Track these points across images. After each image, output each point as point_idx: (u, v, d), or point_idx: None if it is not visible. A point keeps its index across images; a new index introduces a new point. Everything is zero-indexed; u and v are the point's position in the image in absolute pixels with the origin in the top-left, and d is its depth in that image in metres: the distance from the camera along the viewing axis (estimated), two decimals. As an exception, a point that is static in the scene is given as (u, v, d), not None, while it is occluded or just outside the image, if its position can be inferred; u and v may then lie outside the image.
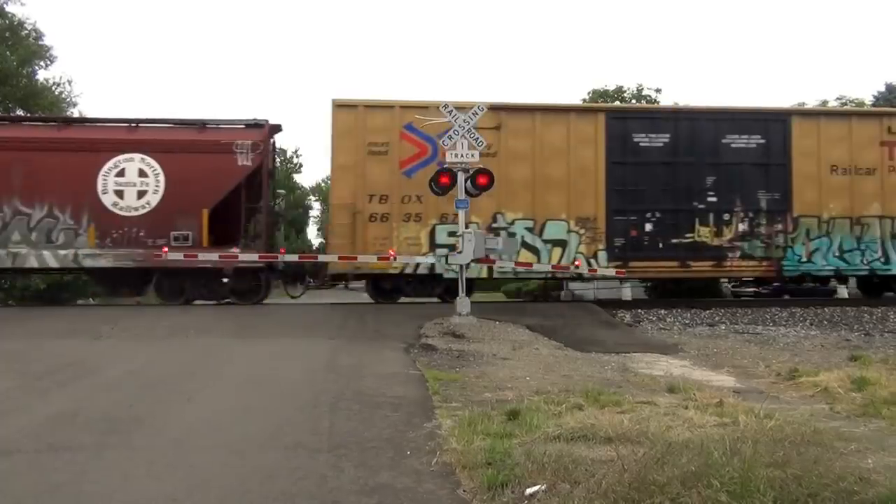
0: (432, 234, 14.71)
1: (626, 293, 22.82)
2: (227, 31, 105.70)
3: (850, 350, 10.16)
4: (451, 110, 12.29)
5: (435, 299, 14.79)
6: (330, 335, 10.46)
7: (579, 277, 17.43)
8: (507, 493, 3.73)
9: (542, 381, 7.26)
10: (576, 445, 4.58)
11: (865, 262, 15.69)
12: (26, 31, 26.57)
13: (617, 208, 15.16)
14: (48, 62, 27.43)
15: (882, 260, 15.73)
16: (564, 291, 25.02)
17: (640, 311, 14.35)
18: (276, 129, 15.74)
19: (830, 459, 4.01)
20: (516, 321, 12.07)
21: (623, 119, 15.69)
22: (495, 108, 14.67)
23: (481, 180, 12.27)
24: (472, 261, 12.31)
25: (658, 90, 38.90)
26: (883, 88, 41.32)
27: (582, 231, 15.06)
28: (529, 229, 14.94)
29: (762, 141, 15.58)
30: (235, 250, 14.28)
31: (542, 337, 10.97)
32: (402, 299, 15.27)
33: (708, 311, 14.30)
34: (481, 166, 12.42)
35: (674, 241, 15.18)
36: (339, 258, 14.20)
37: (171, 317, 12.56)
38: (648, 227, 15.26)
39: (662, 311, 14.28)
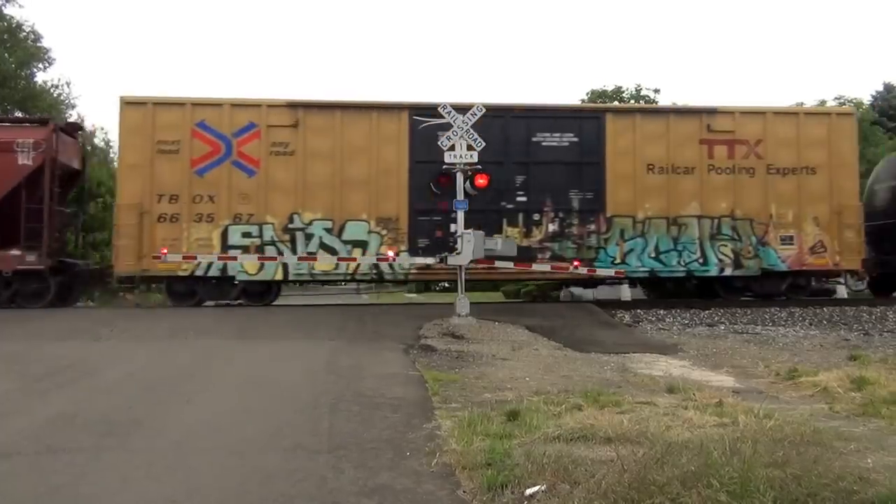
0: (224, 234, 14.33)
1: (626, 293, 22.80)
2: (227, 30, 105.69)
3: (850, 350, 10.15)
4: (450, 111, 12.30)
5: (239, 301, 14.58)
6: (329, 336, 10.46)
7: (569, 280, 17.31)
8: (506, 493, 3.73)
9: (541, 381, 7.26)
10: (575, 446, 4.58)
11: (682, 263, 15.26)
12: (25, 34, 26.58)
13: (421, 208, 14.71)
14: (47, 64, 27.44)
15: (700, 261, 15.30)
16: (564, 292, 25.00)
17: (639, 311, 14.35)
18: (76, 127, 15.43)
19: (830, 459, 4.02)
20: (515, 322, 12.07)
21: (429, 116, 14.82)
22: (293, 105, 14.60)
23: (480, 181, 12.29)
24: (471, 261, 12.31)
25: (657, 90, 38.94)
26: (881, 88, 41.41)
27: (384, 232, 14.65)
28: (328, 230, 14.55)
29: (575, 139, 15.19)
30: (16, 252, 13.93)
31: (542, 337, 10.97)
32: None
33: (707, 312, 14.29)
34: (480, 167, 12.43)
35: None
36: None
37: (170, 318, 12.56)
38: (454, 227, 14.59)
39: (661, 312, 14.28)
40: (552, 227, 15.07)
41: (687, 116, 15.77)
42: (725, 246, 15.35)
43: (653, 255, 15.23)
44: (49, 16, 74.36)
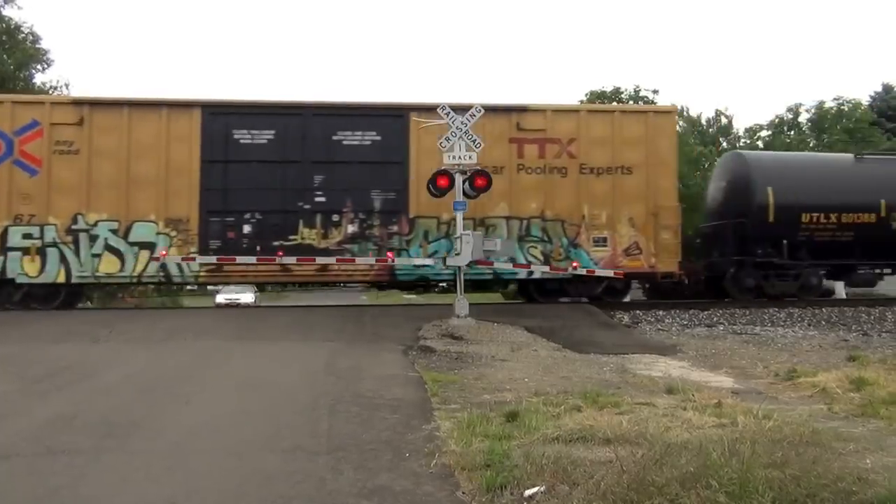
0: (4, 235, 13.85)
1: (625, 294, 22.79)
2: (227, 30, 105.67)
3: (849, 350, 10.16)
4: (449, 112, 12.31)
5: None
6: (328, 337, 10.45)
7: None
8: (506, 494, 3.73)
9: (540, 382, 7.25)
10: (574, 447, 4.58)
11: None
12: (23, 35, 26.59)
13: (213, 209, 14.27)
14: (45, 65, 27.48)
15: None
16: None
17: (638, 312, 14.35)
18: None
19: (829, 460, 4.02)
20: (514, 322, 12.07)
21: (223, 115, 14.63)
22: (78, 103, 14.33)
23: (479, 182, 12.27)
24: (471, 262, 12.30)
25: (655, 91, 38.99)
26: (880, 88, 41.47)
27: (173, 233, 14.14)
28: (114, 231, 14.05)
29: (378, 138, 14.76)
30: None
31: (541, 338, 10.97)
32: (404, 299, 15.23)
33: (706, 312, 14.30)
34: (479, 168, 12.41)
35: (276, 243, 14.28)
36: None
37: (169, 320, 12.56)
38: (248, 228, 14.38)
39: (661, 312, 14.28)
40: (352, 229, 14.60)
41: (496, 114, 14.92)
42: (535, 248, 14.91)
43: None
44: (48, 16, 74.36)
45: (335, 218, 14.59)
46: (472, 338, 10.63)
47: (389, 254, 14.40)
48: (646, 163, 15.22)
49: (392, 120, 14.95)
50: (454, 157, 12.16)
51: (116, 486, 4.03)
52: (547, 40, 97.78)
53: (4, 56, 25.27)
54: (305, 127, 14.69)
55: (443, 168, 12.36)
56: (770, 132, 40.93)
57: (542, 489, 3.71)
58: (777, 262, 15.49)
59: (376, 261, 14.38)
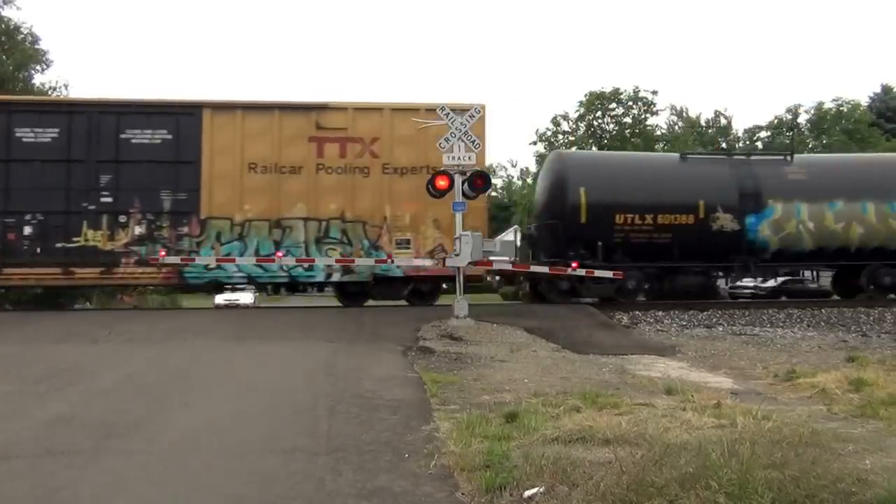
0: None
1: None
2: (226, 30, 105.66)
3: (848, 351, 10.16)
4: (448, 112, 12.31)
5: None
6: (328, 338, 10.45)
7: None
8: (505, 495, 3.73)
9: (539, 383, 7.25)
10: (574, 447, 4.58)
11: (286, 268, 14.42)
12: (23, 35, 26.56)
13: None
14: (44, 66, 27.43)
15: (305, 266, 14.39)
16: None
17: (637, 312, 14.35)
18: None
19: (828, 460, 4.02)
20: (514, 323, 12.06)
21: (4, 112, 14.23)
22: None
23: (479, 183, 12.27)
24: (470, 263, 12.30)
25: (654, 92, 39.03)
26: (879, 90, 41.49)
27: None
28: None
29: (169, 136, 14.34)
30: None
31: (540, 339, 10.97)
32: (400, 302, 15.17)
33: (706, 313, 14.30)
34: (478, 168, 12.41)
35: (58, 245, 13.93)
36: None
37: (168, 320, 12.56)
38: (28, 230, 13.97)
39: (660, 313, 14.28)
40: (139, 230, 14.20)
41: (295, 112, 14.81)
42: (334, 250, 14.49)
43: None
44: (47, 17, 74.34)
45: (122, 219, 14.19)
46: (472, 338, 10.63)
47: (388, 255, 14.30)
48: None
49: (185, 118, 14.51)
50: (454, 158, 12.15)
51: (116, 487, 4.02)
52: (547, 40, 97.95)
53: (3, 57, 25.24)
54: (92, 125, 14.28)
55: (442, 169, 12.36)
56: (769, 133, 40.99)
57: (541, 490, 3.71)
58: (591, 264, 14.52)
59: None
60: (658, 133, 40.68)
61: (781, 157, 16.91)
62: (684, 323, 13.57)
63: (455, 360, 8.87)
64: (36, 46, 27.00)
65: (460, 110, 12.76)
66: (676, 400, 6.27)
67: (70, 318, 13.41)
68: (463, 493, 3.84)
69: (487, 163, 15.00)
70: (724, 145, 40.72)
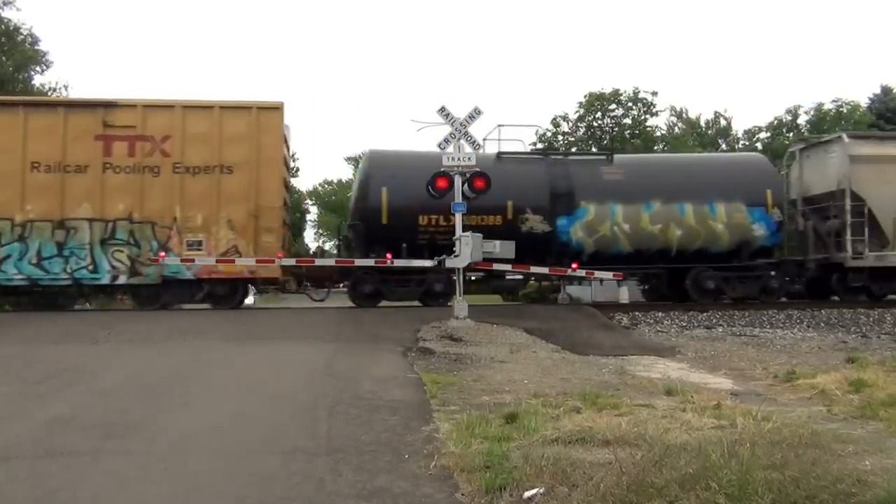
0: None
1: (624, 295, 22.85)
2: (226, 30, 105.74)
3: (848, 352, 10.16)
4: (448, 113, 12.32)
5: None
6: (327, 338, 10.45)
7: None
8: (505, 496, 3.73)
9: (539, 384, 7.25)
10: (574, 448, 4.58)
11: (69, 270, 14.06)
12: (23, 36, 26.59)
13: None
14: (44, 67, 27.49)
15: (90, 268, 14.12)
16: (562, 294, 25.01)
17: (637, 313, 14.37)
18: None
19: (828, 461, 4.02)
20: (514, 324, 12.07)
21: None
22: None
23: (478, 183, 12.28)
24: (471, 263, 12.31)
25: (654, 93, 39.04)
26: (878, 91, 41.46)
27: None
28: None
29: None
30: None
31: (540, 340, 10.97)
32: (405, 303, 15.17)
33: (705, 314, 14.32)
34: (478, 169, 12.42)
35: None
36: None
37: (168, 321, 12.55)
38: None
39: (660, 314, 14.30)
40: None
41: (82, 110, 14.47)
42: (121, 251, 14.24)
43: (34, 261, 14.07)
44: (47, 18, 74.40)
45: None
46: (471, 339, 10.63)
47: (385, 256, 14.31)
48: (249, 161, 14.57)
49: None
50: (453, 159, 12.16)
51: (115, 487, 4.02)
52: (547, 40, 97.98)
53: (3, 58, 25.28)
54: None
55: (441, 169, 12.37)
56: (769, 134, 40.97)
57: (541, 491, 3.71)
58: (395, 266, 14.32)
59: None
60: (658, 134, 40.69)
61: (601, 157, 16.76)
62: (684, 324, 13.59)
63: (455, 360, 8.88)
64: (36, 47, 27.05)
65: (257, 108, 13.76)
66: (676, 401, 6.27)
67: (70, 318, 13.40)
68: (463, 494, 3.84)
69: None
70: (723, 146, 40.71)
